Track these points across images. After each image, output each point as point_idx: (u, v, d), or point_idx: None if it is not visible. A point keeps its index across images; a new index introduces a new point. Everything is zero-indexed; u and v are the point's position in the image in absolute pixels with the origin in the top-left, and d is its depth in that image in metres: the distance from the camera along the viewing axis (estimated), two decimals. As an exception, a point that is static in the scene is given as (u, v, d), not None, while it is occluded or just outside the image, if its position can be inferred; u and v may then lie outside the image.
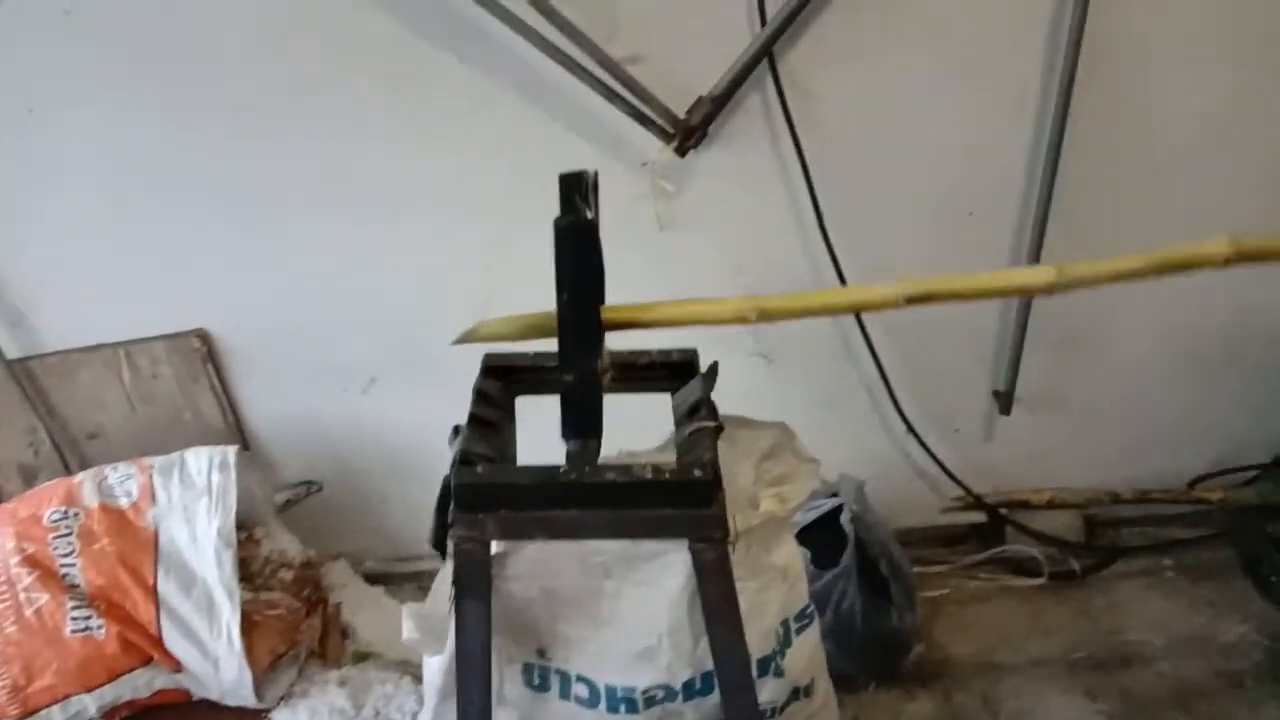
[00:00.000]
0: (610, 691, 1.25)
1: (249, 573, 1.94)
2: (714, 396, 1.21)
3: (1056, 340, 2.07)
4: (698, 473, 1.07)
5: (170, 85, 1.80)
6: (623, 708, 1.25)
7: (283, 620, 1.93)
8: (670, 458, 1.17)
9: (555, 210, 1.04)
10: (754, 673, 1.22)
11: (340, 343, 2.07)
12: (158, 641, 1.79)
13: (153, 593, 1.79)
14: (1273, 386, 2.13)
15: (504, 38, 1.70)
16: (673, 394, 1.26)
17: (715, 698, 1.23)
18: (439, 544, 1.15)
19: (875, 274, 1.93)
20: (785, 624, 1.35)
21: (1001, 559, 2.24)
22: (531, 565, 1.19)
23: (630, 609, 1.21)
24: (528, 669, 1.27)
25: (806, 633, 1.39)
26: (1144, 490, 2.19)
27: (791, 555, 1.36)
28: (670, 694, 1.25)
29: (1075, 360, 2.12)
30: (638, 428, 1.26)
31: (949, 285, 1.04)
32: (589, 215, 1.04)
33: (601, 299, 1.09)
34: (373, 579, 2.28)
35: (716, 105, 1.76)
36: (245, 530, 1.98)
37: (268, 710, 1.89)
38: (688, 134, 1.78)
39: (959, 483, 2.20)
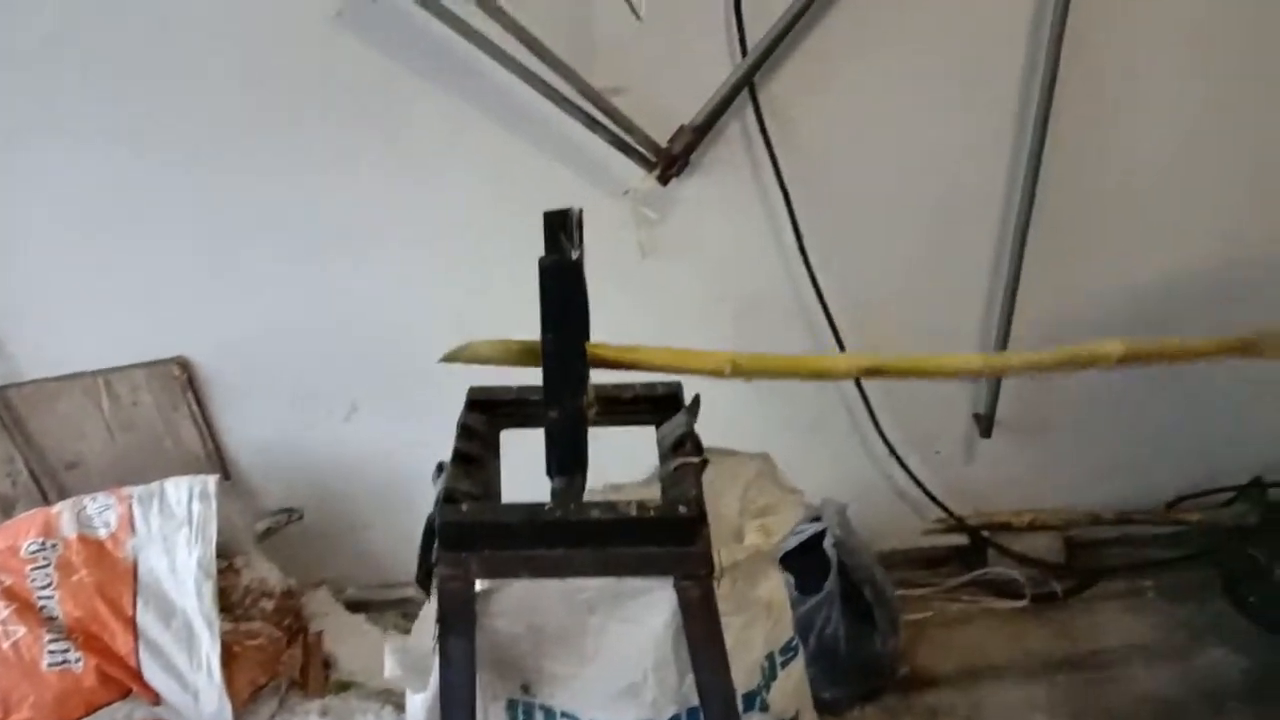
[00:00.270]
0: (595, 727, 1.24)
1: (229, 602, 1.92)
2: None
3: (1036, 363, 2.08)
4: (683, 510, 1.06)
5: (149, 114, 1.80)
6: (608, 743, 1.24)
7: (263, 651, 1.91)
8: (655, 492, 1.17)
9: (538, 239, 1.04)
10: (740, 708, 1.22)
11: (322, 370, 2.06)
12: (136, 674, 1.76)
13: (131, 624, 1.77)
14: (1250, 408, 2.15)
15: (485, 68, 1.71)
16: (657, 427, 1.26)
17: (701, 733, 1.23)
18: (424, 582, 1.15)
19: (855, 298, 1.97)
20: (770, 657, 1.34)
21: (983, 581, 2.25)
22: (516, 602, 1.18)
23: (615, 645, 1.20)
24: (512, 705, 1.26)
25: (791, 665, 1.39)
26: (1124, 512, 2.21)
27: (776, 588, 1.36)
28: (656, 730, 1.24)
29: (1055, 383, 2.13)
30: (622, 459, 1.26)
31: (898, 364, 1.19)
32: (574, 254, 1.04)
33: (586, 336, 1.09)
34: (355, 606, 2.26)
35: (698, 134, 1.78)
36: (225, 559, 1.96)
37: (248, 742, 1.87)
38: (670, 162, 1.79)
39: (941, 505, 2.21)
